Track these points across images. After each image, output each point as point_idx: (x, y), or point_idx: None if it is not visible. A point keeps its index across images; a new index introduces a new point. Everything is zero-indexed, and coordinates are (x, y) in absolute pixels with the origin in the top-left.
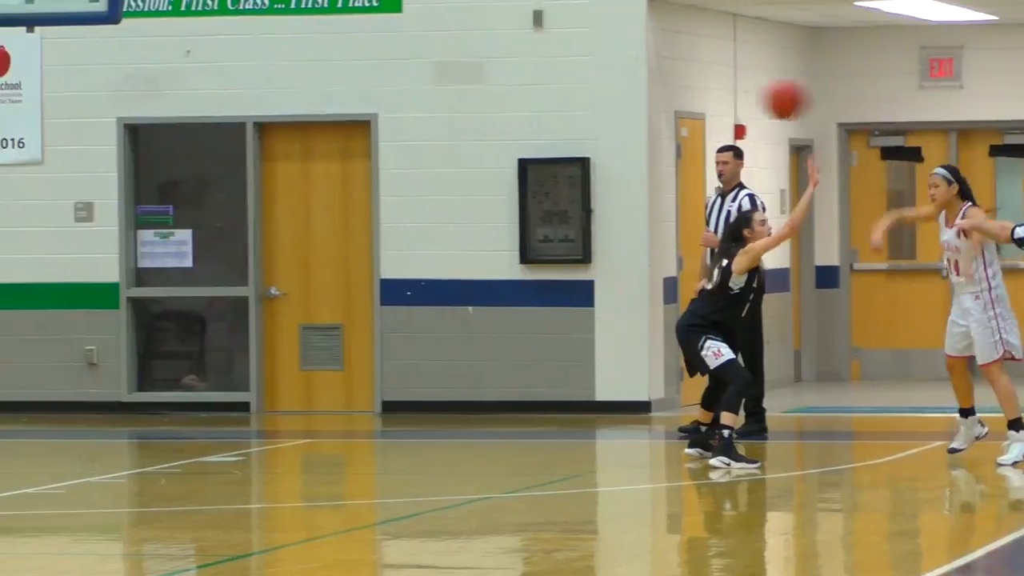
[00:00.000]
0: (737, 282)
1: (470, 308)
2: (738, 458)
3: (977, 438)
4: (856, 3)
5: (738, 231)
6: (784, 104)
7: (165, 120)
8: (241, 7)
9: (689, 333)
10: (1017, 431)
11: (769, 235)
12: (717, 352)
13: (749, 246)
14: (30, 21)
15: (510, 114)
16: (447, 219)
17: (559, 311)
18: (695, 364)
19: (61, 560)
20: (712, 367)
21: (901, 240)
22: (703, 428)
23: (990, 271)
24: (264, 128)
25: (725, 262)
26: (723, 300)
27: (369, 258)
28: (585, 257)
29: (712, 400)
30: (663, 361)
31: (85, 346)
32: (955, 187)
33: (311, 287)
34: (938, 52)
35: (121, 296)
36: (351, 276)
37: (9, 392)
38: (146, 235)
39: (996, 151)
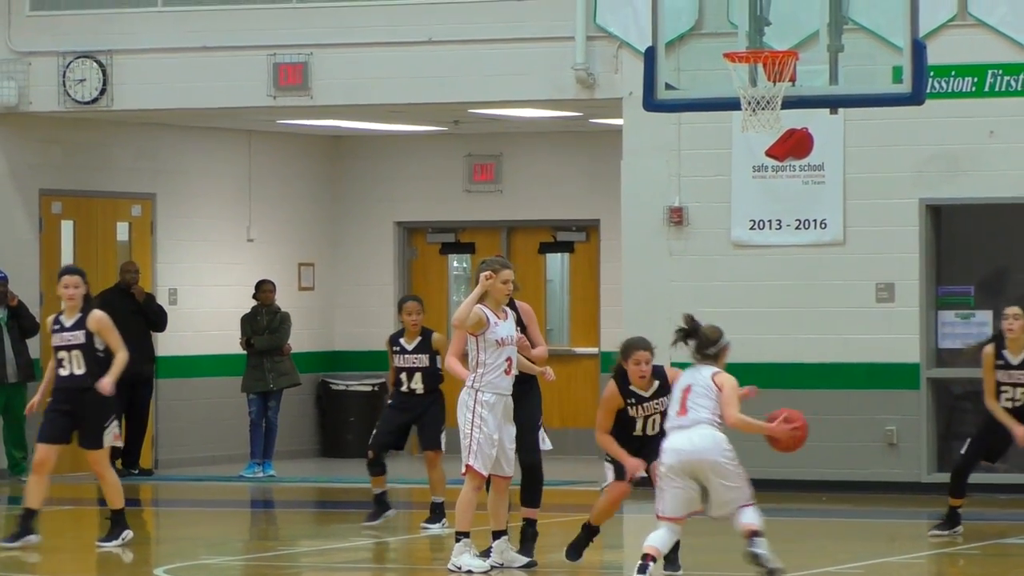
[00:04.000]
0: None
1: None
2: None
3: None
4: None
5: None
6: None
7: (967, 200)
8: None
9: None
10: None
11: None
12: None
13: None
14: (834, 103)
15: None
16: None
17: None
18: None
19: None
20: None
21: None
22: None
23: None
24: None
25: None
26: None
27: None
28: None
29: None
30: None
31: (885, 426)
32: None
33: None
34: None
35: (921, 377)
36: None
37: (812, 471)
38: (946, 316)
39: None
